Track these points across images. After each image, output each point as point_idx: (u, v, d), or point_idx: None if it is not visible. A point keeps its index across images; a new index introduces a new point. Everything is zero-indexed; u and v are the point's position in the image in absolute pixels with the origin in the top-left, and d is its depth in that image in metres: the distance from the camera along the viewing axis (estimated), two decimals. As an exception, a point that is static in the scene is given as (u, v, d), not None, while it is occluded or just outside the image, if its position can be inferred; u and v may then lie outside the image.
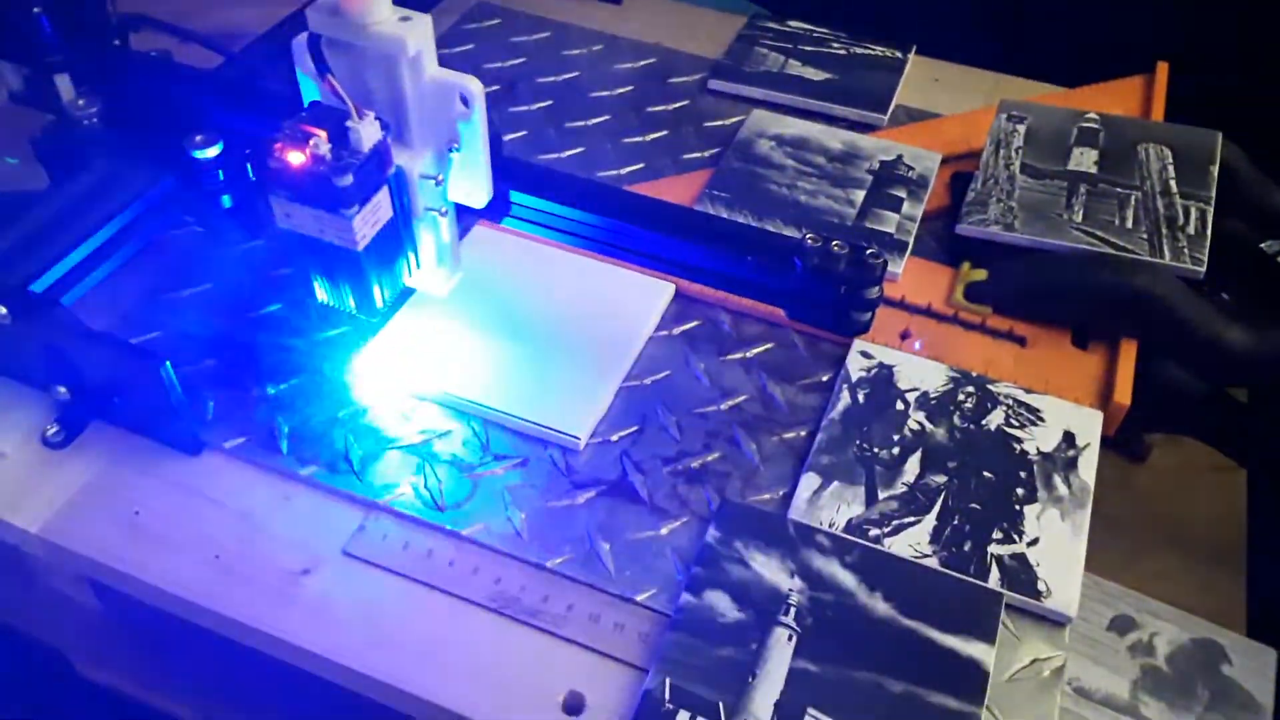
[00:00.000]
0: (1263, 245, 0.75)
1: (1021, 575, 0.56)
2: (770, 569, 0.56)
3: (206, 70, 0.77)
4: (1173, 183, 0.75)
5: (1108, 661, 0.55)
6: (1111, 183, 0.75)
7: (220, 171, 0.66)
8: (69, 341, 0.59)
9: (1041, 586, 0.56)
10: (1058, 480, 0.61)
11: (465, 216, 0.62)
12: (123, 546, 0.58)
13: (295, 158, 0.52)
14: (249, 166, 0.67)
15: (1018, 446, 0.63)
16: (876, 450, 0.62)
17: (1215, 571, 0.65)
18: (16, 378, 0.65)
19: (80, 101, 0.68)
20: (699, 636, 0.53)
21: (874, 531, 0.58)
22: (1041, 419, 0.64)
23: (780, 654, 0.53)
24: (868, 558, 0.57)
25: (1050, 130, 0.80)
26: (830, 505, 0.59)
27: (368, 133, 0.53)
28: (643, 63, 0.94)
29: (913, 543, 0.58)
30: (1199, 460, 0.71)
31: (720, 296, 0.70)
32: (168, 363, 0.57)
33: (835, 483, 0.61)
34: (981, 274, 0.72)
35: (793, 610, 0.54)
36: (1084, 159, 0.77)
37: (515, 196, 0.63)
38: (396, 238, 0.58)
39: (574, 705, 0.52)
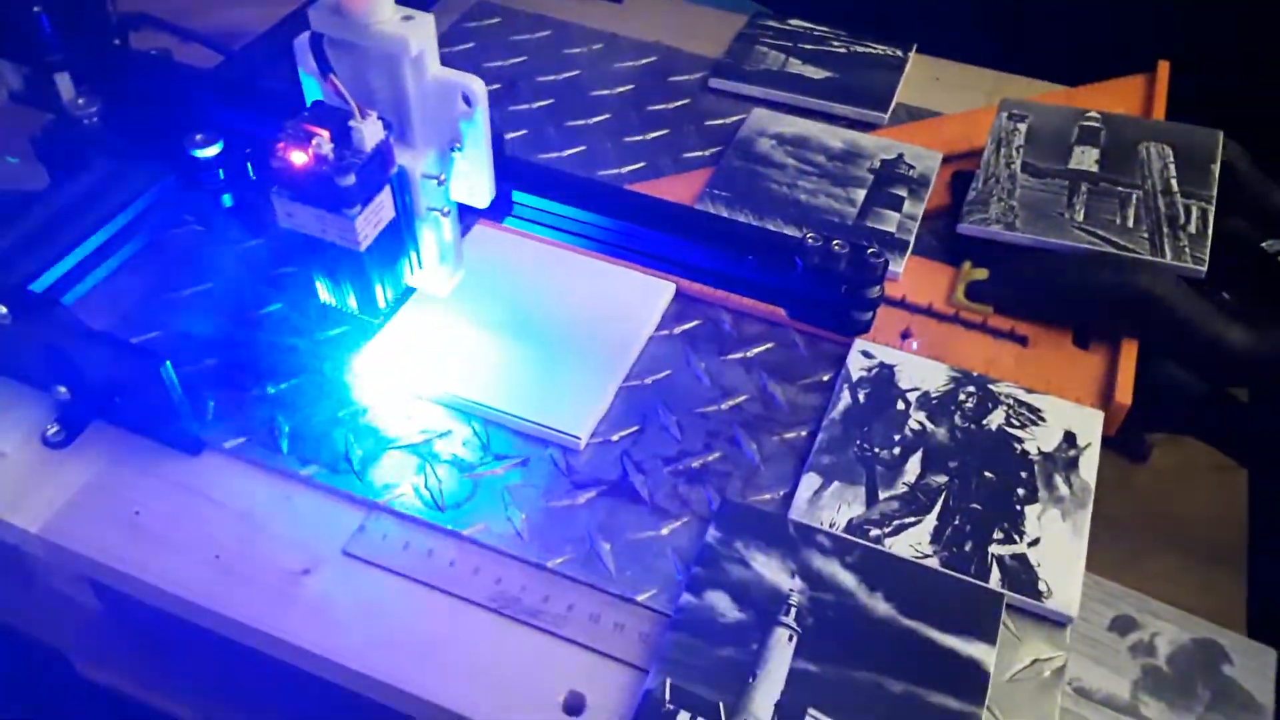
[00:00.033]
0: (1264, 244, 0.75)
1: (1022, 575, 0.56)
2: (771, 569, 0.56)
3: (206, 69, 0.77)
4: (1174, 182, 0.75)
5: (1108, 662, 0.55)
6: (1113, 182, 0.75)
7: (220, 170, 0.66)
8: (69, 341, 0.59)
9: (1042, 587, 0.56)
10: (1059, 480, 0.61)
11: (466, 216, 0.62)
12: (123, 546, 0.58)
13: (298, 157, 0.52)
14: (249, 165, 0.67)
15: (1018, 446, 0.63)
16: (877, 450, 0.62)
17: (1216, 571, 0.66)
18: (17, 377, 0.65)
19: (80, 101, 0.68)
20: (699, 637, 0.53)
21: (875, 531, 0.58)
22: (1042, 419, 0.64)
23: (781, 654, 0.53)
24: (868, 558, 0.57)
25: (1051, 129, 0.80)
26: (831, 505, 0.59)
27: (370, 132, 0.53)
28: (643, 61, 0.94)
29: (913, 543, 0.58)
30: (1200, 460, 0.71)
31: (721, 296, 0.70)
32: (168, 362, 0.57)
33: (836, 483, 0.61)
34: (982, 273, 0.72)
35: (793, 610, 0.54)
36: (1085, 158, 0.77)
37: (517, 196, 0.62)
38: (399, 238, 0.58)
39: (574, 705, 0.52)
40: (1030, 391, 0.66)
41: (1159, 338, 0.68)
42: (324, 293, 0.60)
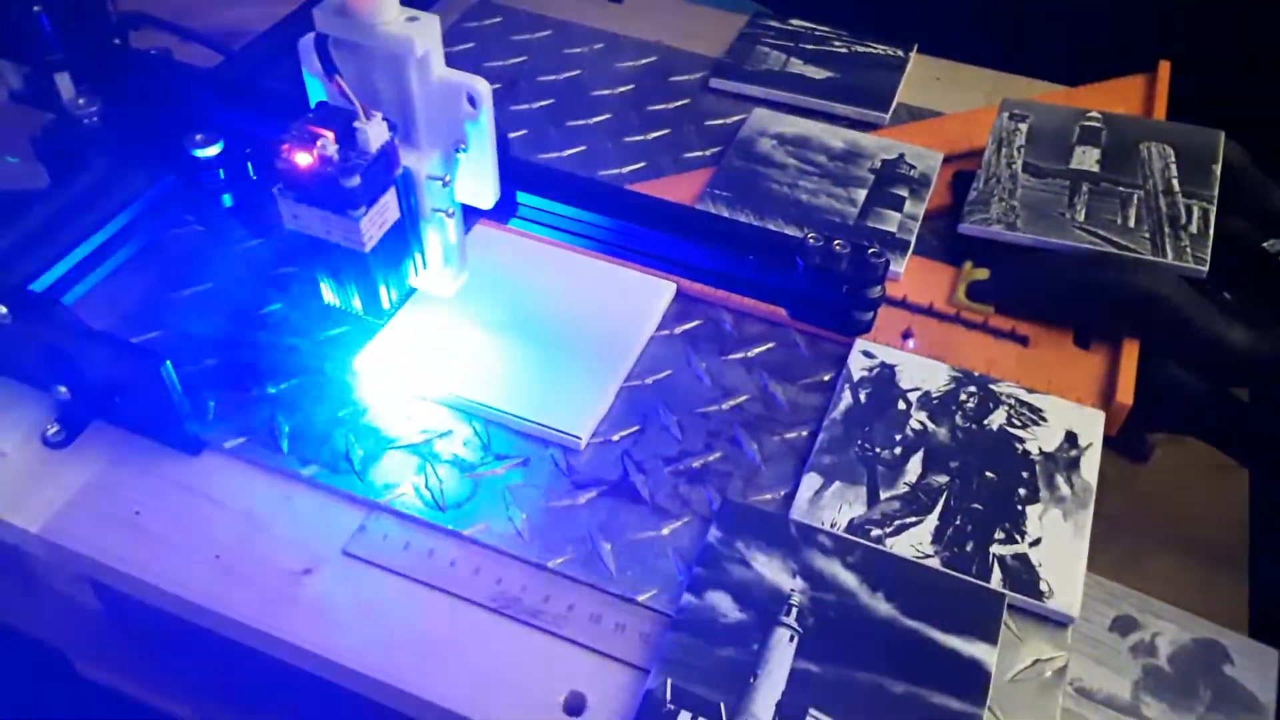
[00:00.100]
0: (1265, 244, 0.75)
1: (1023, 575, 0.56)
2: (772, 569, 0.56)
3: (207, 69, 0.77)
4: (1175, 182, 0.75)
5: (1110, 662, 0.55)
6: (1114, 182, 0.75)
7: (221, 170, 0.66)
8: (69, 341, 0.59)
9: (1044, 587, 0.56)
10: (1060, 480, 0.61)
11: (468, 216, 0.62)
12: (123, 546, 0.58)
13: (303, 159, 0.52)
14: (249, 165, 0.67)
15: (1020, 446, 0.63)
16: (878, 450, 0.62)
17: (1217, 571, 0.66)
18: (17, 377, 0.65)
19: (80, 100, 0.67)
20: (700, 637, 0.53)
21: (876, 531, 0.58)
22: (1043, 419, 0.64)
23: (782, 654, 0.53)
24: (869, 558, 0.57)
25: (1052, 129, 0.80)
26: (832, 505, 0.59)
27: (375, 133, 0.53)
28: (644, 61, 0.94)
29: (915, 543, 0.58)
30: (1201, 460, 0.71)
31: (722, 296, 0.70)
32: (168, 362, 0.57)
33: (837, 483, 0.61)
34: (983, 273, 0.72)
35: (794, 610, 0.54)
36: (1086, 158, 0.77)
37: (521, 197, 0.62)
38: (403, 239, 0.58)
39: (575, 706, 0.52)
40: (1031, 391, 0.65)
41: (1160, 338, 0.68)
42: (328, 294, 0.60)
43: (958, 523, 0.59)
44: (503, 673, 0.53)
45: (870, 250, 0.58)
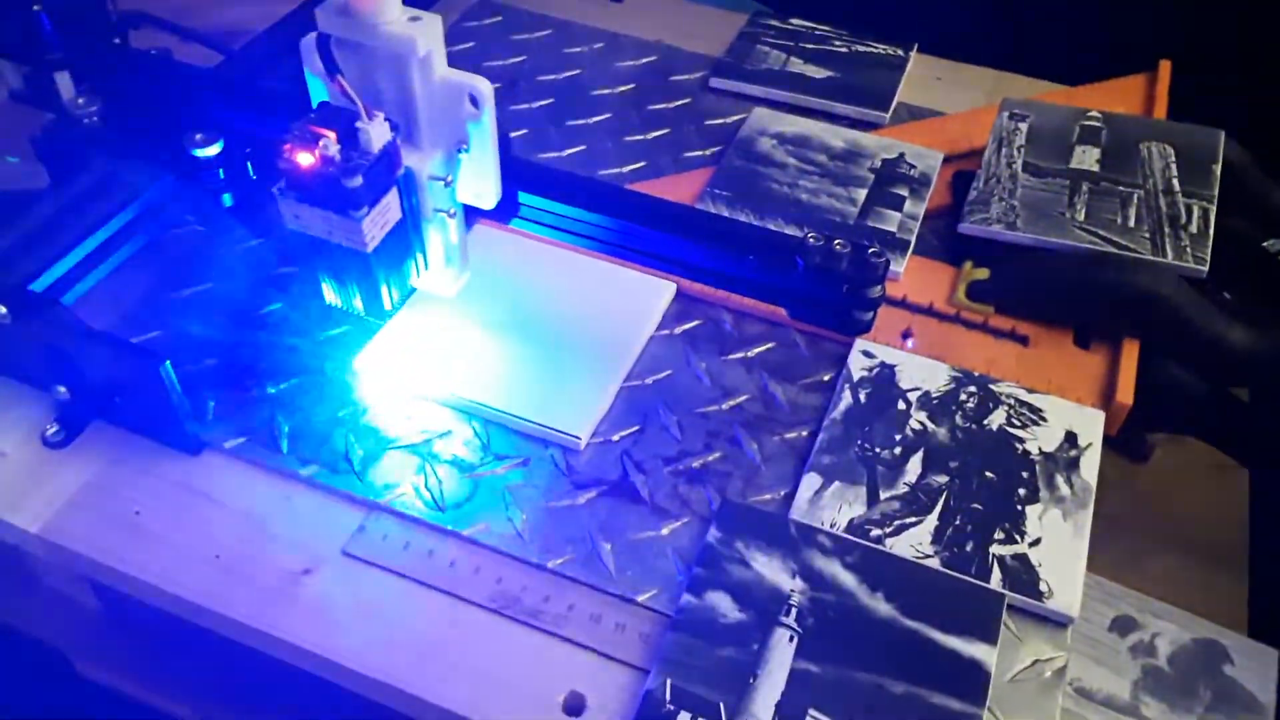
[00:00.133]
0: (1265, 244, 0.75)
1: (1023, 576, 0.56)
2: (771, 569, 0.56)
3: (207, 68, 0.77)
4: (1175, 181, 0.75)
5: (1109, 662, 0.55)
6: (1114, 181, 0.75)
7: (221, 170, 0.66)
8: (69, 341, 0.59)
9: (1043, 587, 0.56)
10: (1060, 480, 0.61)
11: (470, 216, 0.62)
12: (123, 546, 0.58)
13: (305, 159, 0.52)
14: (249, 165, 0.67)
15: (1019, 446, 0.63)
16: (878, 450, 0.62)
17: (1217, 571, 0.66)
18: (16, 377, 0.65)
19: (80, 100, 0.67)
20: (700, 637, 0.53)
21: (875, 532, 0.58)
22: (1043, 419, 0.64)
23: (781, 655, 0.53)
24: (869, 558, 0.57)
25: (1052, 128, 0.80)
26: (832, 505, 0.59)
27: (377, 134, 0.53)
28: (644, 60, 0.94)
29: (914, 543, 0.58)
30: (1201, 460, 0.71)
31: (721, 296, 0.70)
32: (168, 362, 0.57)
33: (837, 483, 0.61)
34: (983, 273, 0.72)
35: (794, 611, 0.54)
36: (1086, 157, 0.77)
37: (522, 197, 0.62)
38: (405, 239, 0.58)
39: (575, 706, 0.52)
40: (1031, 391, 0.65)
41: (1160, 337, 0.68)
42: (330, 294, 0.59)
43: (957, 523, 0.59)
44: (502, 673, 0.53)
45: (870, 250, 0.58)
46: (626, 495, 0.60)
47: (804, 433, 0.64)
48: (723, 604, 0.55)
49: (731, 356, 0.69)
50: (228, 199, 0.67)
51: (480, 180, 0.59)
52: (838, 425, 0.64)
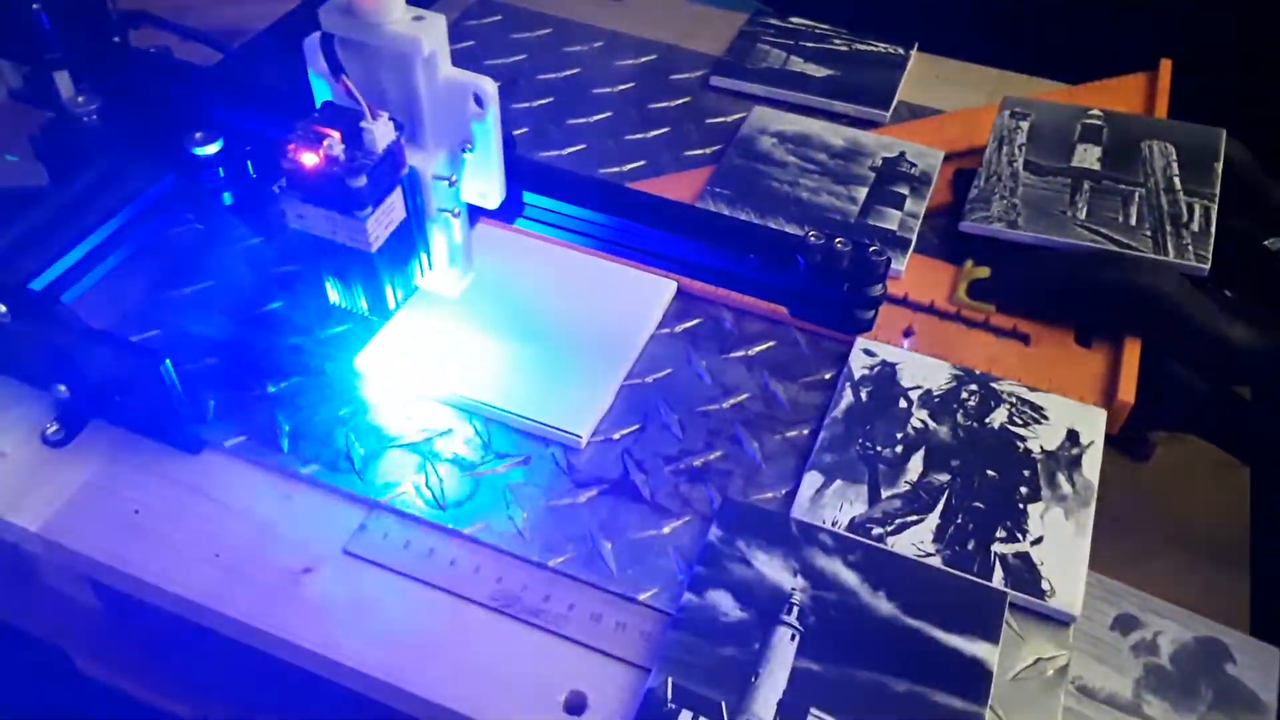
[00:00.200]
0: (1266, 242, 0.75)
1: (1025, 574, 0.56)
2: (773, 568, 0.56)
3: (206, 67, 0.77)
4: (1177, 180, 0.75)
5: (1111, 660, 0.55)
6: (1115, 180, 0.75)
7: (221, 169, 0.66)
8: (69, 340, 0.59)
9: (1045, 585, 0.56)
10: (1061, 479, 0.61)
11: (472, 215, 0.62)
12: (123, 546, 0.58)
13: (309, 159, 0.52)
14: (249, 163, 0.67)
15: (1021, 445, 0.62)
16: (879, 448, 0.62)
17: (1219, 570, 0.65)
18: (16, 376, 0.65)
19: (80, 99, 0.67)
20: (701, 636, 0.53)
21: (877, 530, 0.58)
22: (1045, 417, 0.64)
23: (783, 653, 0.53)
24: (871, 557, 0.57)
25: (1053, 127, 0.80)
26: (833, 504, 0.59)
27: (381, 133, 0.52)
28: (644, 59, 0.94)
29: (916, 541, 0.58)
30: (1203, 458, 0.71)
31: (722, 294, 0.70)
32: (168, 361, 0.57)
33: (838, 481, 0.60)
34: (985, 271, 0.72)
35: (795, 609, 0.54)
36: (1087, 156, 0.77)
37: (526, 197, 0.62)
38: (409, 239, 0.58)
39: (576, 705, 0.52)
40: (1033, 390, 0.65)
41: (1162, 336, 0.68)
42: (333, 294, 0.59)
43: (959, 521, 0.59)
44: (503, 672, 0.53)
45: (871, 248, 0.58)
46: (627, 494, 0.60)
47: (805, 431, 0.64)
48: (724, 602, 0.55)
49: (732, 355, 0.68)
50: (228, 197, 0.67)
51: (484, 180, 0.58)
52: (839, 424, 0.63)
